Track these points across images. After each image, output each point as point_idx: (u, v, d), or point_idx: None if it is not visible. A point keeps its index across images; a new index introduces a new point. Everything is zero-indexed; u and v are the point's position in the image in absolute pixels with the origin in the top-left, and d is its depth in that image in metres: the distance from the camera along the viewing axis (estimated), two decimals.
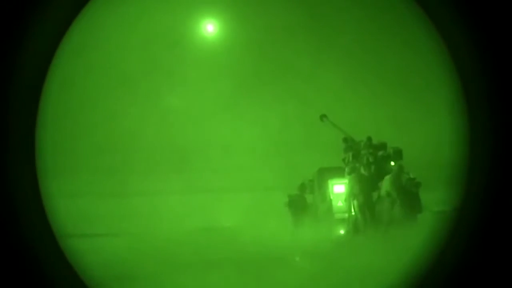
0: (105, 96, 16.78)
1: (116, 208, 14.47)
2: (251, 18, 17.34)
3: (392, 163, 16.33)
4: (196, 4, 17.43)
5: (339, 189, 16.60)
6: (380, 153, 16.48)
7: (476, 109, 6.91)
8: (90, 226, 12.62)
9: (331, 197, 16.72)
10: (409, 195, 15.87)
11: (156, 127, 17.41)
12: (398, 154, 16.37)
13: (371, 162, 16.40)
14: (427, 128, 16.99)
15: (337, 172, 16.90)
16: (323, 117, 17.56)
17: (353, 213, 16.00)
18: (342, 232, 15.98)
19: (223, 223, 13.99)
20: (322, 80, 18.11)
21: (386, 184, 15.46)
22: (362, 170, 16.36)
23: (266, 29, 17.60)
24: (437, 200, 14.33)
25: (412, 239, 10.81)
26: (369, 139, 16.60)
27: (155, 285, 9.97)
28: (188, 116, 17.50)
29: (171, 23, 17.26)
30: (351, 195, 15.97)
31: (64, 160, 14.80)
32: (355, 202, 15.92)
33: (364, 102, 17.36)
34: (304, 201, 17.13)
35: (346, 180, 16.28)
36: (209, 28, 17.89)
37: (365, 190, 15.93)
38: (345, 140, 16.97)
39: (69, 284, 6.90)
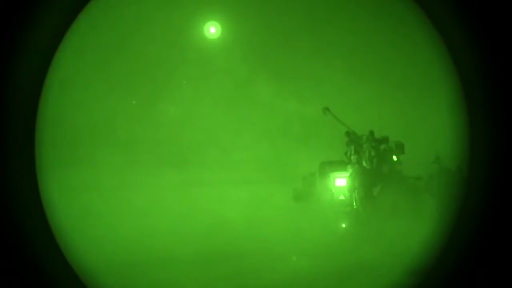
0: (105, 95, 16.81)
1: (115, 206, 14.50)
2: (252, 18, 17.32)
3: (394, 157, 16.36)
4: (196, 5, 17.42)
5: (340, 182, 16.60)
6: (382, 146, 16.50)
7: (476, 108, 6.90)
8: (90, 224, 12.62)
9: (333, 191, 16.73)
10: (409, 189, 15.94)
11: (157, 127, 17.43)
12: (400, 148, 16.40)
13: (373, 156, 16.43)
14: (428, 126, 16.96)
15: (339, 165, 16.91)
16: (325, 110, 17.58)
17: (354, 206, 16.02)
18: (344, 225, 15.97)
19: (223, 221, 13.98)
20: (323, 79, 18.11)
21: None
22: (364, 164, 16.40)
23: (267, 29, 17.60)
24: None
25: (414, 237, 10.79)
26: (371, 132, 16.61)
27: (155, 283, 10.02)
28: (188, 115, 17.53)
29: (171, 23, 17.26)
30: (352, 188, 15.99)
31: (65, 159, 14.85)
32: (357, 195, 15.93)
33: (364, 101, 17.32)
34: (307, 194, 17.13)
35: (348, 174, 16.30)
36: (209, 28, 17.91)
37: (367, 183, 15.93)
38: (348, 133, 16.99)
39: (68, 283, 6.92)
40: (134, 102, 17.35)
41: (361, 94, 17.48)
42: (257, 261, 11.06)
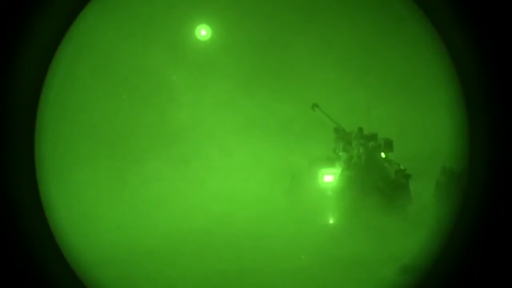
0: (105, 95, 16.77)
1: (115, 206, 14.47)
2: (250, 19, 17.37)
3: (383, 154, 16.43)
4: (194, 6, 17.43)
5: (329, 179, 16.66)
6: (371, 143, 16.54)
7: (475, 108, 6.94)
8: (89, 223, 12.59)
9: (321, 187, 16.78)
10: (398, 186, 15.99)
11: (156, 127, 17.42)
12: (389, 145, 16.44)
13: (361, 153, 16.47)
14: (427, 127, 17.10)
15: (327, 162, 16.95)
16: (314, 106, 17.68)
17: (343, 203, 16.07)
18: (331, 221, 16.04)
19: (223, 219, 14.04)
20: (321, 80, 18.20)
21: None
22: (353, 160, 16.45)
23: (265, 30, 17.65)
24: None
25: (412, 237, 10.87)
26: (360, 129, 16.64)
27: (154, 281, 10.01)
28: (187, 115, 17.53)
29: (170, 24, 17.27)
30: (341, 184, 16.05)
31: (64, 160, 14.79)
32: (345, 191, 15.99)
33: (363, 102, 17.40)
34: (296, 191, 17.17)
35: (336, 170, 16.37)
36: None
37: (355, 180, 16.00)
38: (336, 130, 17.05)
39: (67, 283, 6.89)
40: (124, 96, 17.30)
41: (360, 94, 17.56)
42: (255, 258, 11.13)
